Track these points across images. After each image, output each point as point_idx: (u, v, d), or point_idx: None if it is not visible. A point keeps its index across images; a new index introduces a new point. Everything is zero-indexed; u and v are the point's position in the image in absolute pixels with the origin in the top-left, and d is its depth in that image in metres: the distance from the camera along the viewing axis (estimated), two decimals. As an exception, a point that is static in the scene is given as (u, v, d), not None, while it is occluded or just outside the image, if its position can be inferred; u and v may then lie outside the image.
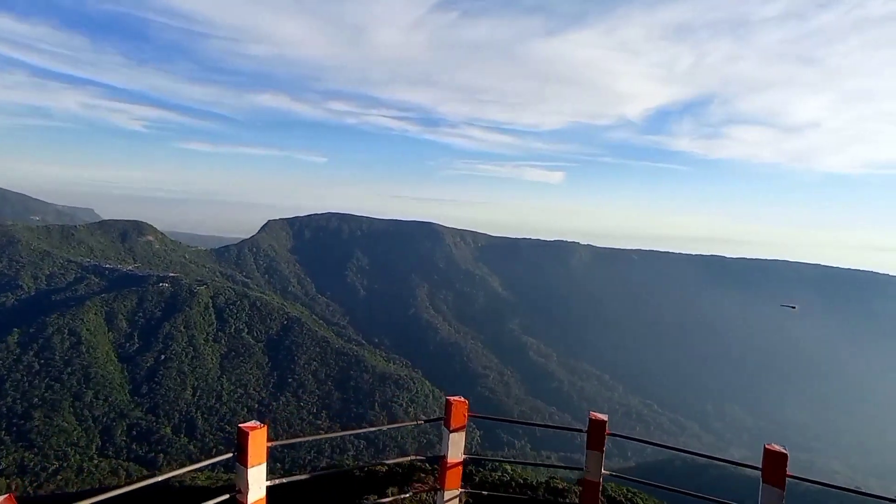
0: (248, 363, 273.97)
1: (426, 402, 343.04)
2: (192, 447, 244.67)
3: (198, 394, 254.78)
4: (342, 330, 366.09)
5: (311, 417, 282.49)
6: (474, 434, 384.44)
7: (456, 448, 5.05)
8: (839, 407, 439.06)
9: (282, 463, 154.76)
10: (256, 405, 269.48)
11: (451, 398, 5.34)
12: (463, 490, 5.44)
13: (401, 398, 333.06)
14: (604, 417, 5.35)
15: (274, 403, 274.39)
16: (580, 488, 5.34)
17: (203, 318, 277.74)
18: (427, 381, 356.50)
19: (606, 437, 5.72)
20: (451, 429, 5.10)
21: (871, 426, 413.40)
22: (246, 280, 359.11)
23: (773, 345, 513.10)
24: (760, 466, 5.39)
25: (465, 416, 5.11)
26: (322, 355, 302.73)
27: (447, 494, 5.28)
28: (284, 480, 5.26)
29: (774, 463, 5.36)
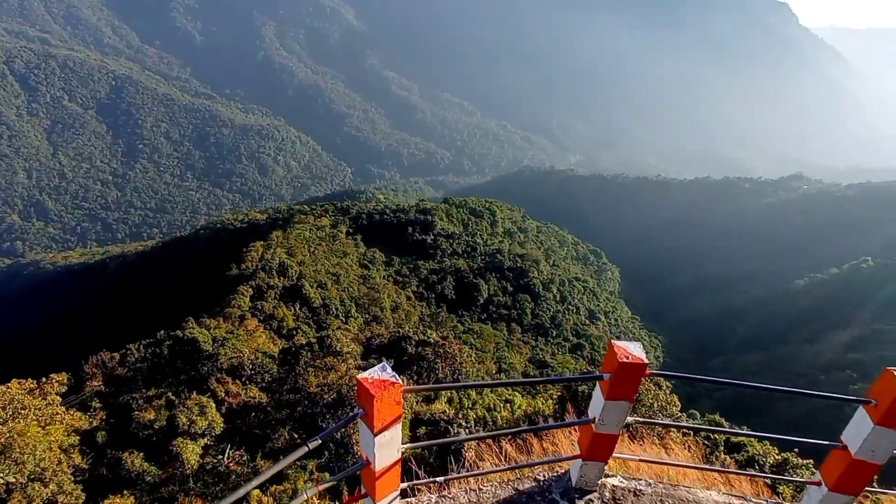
0: (83, 134, 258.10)
1: (294, 149, 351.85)
2: (52, 230, 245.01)
3: (35, 175, 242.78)
4: (185, 84, 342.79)
5: (175, 181, 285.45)
6: (346, 171, 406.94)
7: (387, 450, 2.99)
8: (661, 118, 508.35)
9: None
10: (111, 177, 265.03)
11: (367, 378, 2.88)
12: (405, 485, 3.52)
13: (267, 148, 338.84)
14: (639, 356, 3.19)
15: (130, 172, 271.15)
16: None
17: (4, 90, 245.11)
18: (292, 128, 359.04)
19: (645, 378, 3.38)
20: (377, 430, 2.84)
21: (682, 133, 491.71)
22: (43, 35, 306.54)
23: (611, 62, 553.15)
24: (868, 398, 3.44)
25: (398, 403, 2.86)
26: (170, 115, 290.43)
27: None
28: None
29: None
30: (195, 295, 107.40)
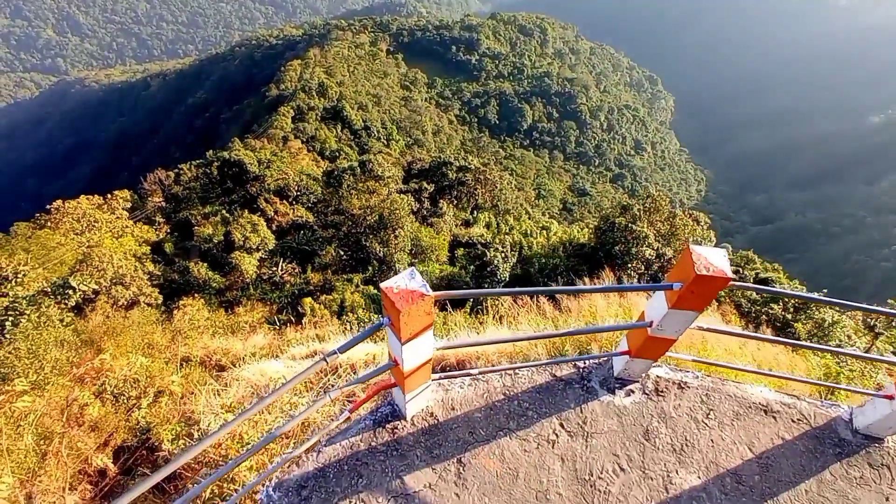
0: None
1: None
2: (88, 45, 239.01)
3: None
4: None
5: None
6: None
7: (417, 353, 2.81)
8: None
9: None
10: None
11: (393, 288, 2.52)
12: (436, 379, 3.51)
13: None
14: (722, 269, 2.68)
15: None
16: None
17: None
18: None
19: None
20: (404, 340, 2.63)
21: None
22: None
23: None
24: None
25: (428, 313, 2.62)
26: None
27: (408, 396, 3.26)
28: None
29: None
30: (235, 115, 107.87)
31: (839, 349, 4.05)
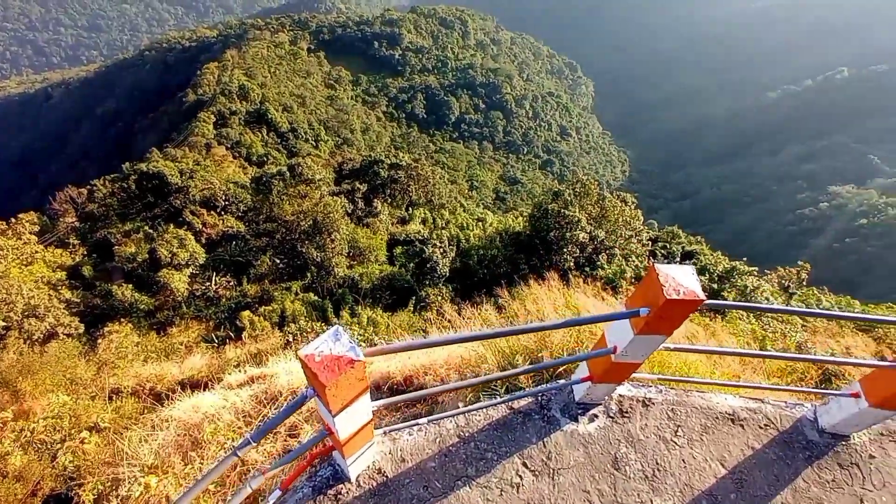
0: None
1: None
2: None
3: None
4: None
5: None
6: None
7: (353, 420, 2.50)
8: None
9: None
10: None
11: (314, 356, 2.01)
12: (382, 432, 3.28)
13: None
14: (693, 289, 2.47)
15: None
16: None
17: None
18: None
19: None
20: (335, 412, 2.26)
21: None
22: None
23: None
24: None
25: (361, 379, 2.24)
26: None
27: (349, 460, 2.91)
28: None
29: None
30: (151, 124, 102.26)
31: (810, 356, 4.04)
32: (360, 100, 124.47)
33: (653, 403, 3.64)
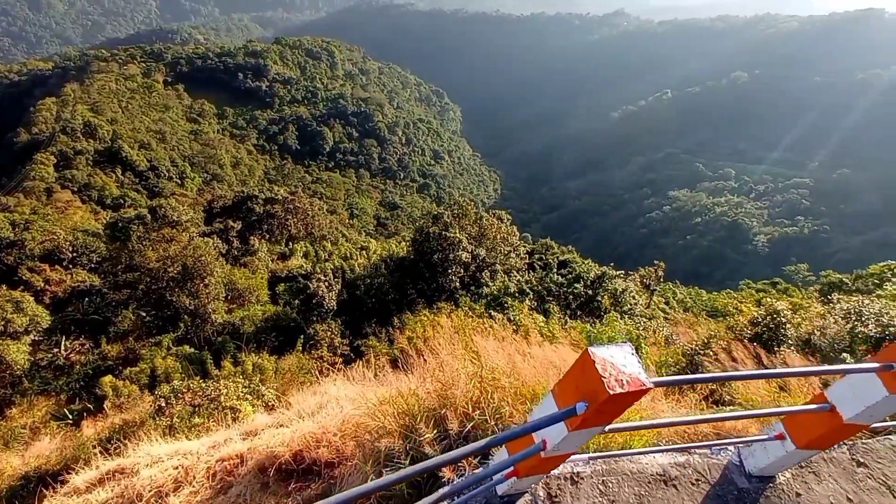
0: None
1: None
2: None
3: None
4: None
5: None
6: (149, 5, 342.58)
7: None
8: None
9: None
10: None
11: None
12: None
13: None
14: (637, 376, 1.94)
15: None
16: None
17: None
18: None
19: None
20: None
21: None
22: None
23: None
24: None
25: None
26: None
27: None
28: None
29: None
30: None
31: (754, 412, 3.94)
32: (227, 133, 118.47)
33: (582, 479, 3.30)
